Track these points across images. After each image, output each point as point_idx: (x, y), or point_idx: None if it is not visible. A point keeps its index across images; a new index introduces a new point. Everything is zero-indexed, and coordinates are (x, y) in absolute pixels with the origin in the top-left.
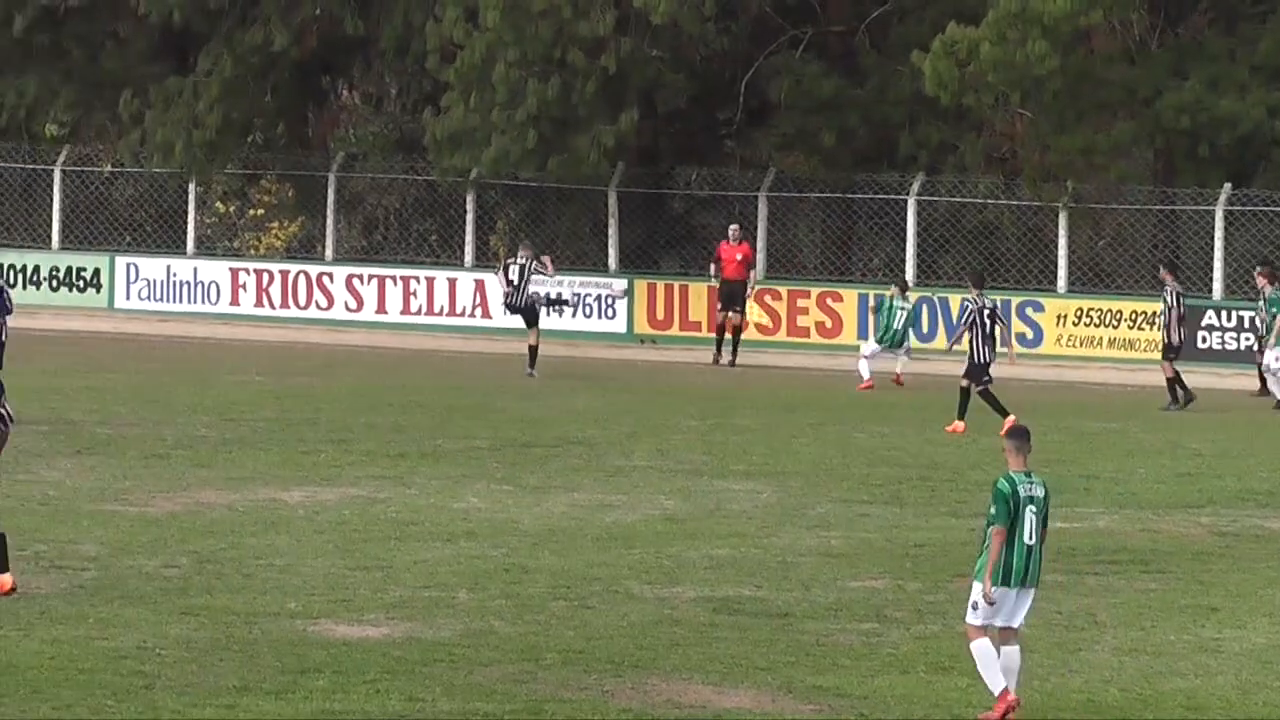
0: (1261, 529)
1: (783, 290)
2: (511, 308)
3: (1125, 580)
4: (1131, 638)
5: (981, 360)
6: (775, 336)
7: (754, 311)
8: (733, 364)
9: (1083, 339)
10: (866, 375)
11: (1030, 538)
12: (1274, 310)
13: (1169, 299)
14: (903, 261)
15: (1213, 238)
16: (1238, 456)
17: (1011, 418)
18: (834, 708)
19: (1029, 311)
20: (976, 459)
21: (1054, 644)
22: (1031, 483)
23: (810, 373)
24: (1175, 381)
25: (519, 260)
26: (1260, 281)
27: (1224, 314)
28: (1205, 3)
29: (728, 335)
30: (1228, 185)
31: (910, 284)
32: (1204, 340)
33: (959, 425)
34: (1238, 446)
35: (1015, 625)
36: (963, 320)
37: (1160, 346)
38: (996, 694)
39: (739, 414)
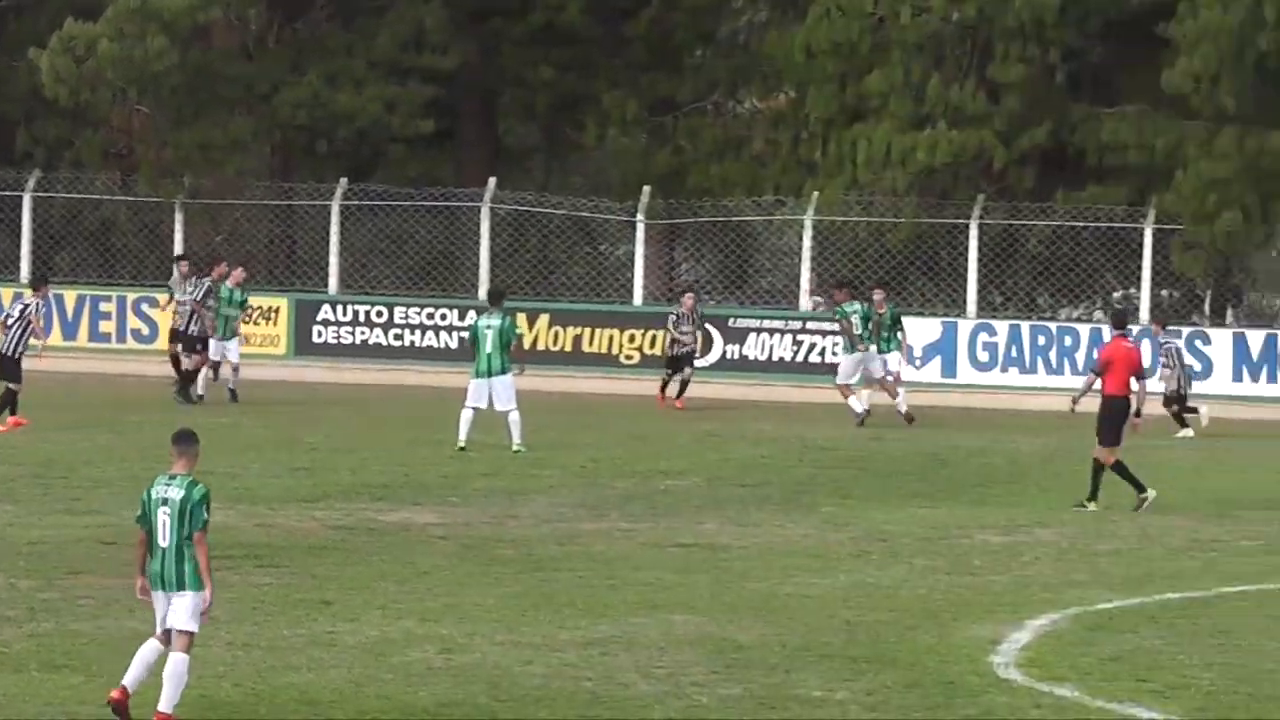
0: (375, 522)
1: None
2: None
3: (239, 575)
4: (246, 633)
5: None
6: None
7: None
8: None
9: None
10: None
11: (164, 540)
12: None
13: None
14: (18, 259)
15: (329, 231)
16: (353, 450)
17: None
18: None
19: (144, 308)
20: (90, 455)
21: None
22: (168, 484)
23: None
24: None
25: None
26: None
27: (340, 308)
28: None
29: None
30: (344, 180)
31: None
32: (319, 335)
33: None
34: (353, 440)
35: (180, 628)
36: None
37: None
38: (122, 681)
39: None
